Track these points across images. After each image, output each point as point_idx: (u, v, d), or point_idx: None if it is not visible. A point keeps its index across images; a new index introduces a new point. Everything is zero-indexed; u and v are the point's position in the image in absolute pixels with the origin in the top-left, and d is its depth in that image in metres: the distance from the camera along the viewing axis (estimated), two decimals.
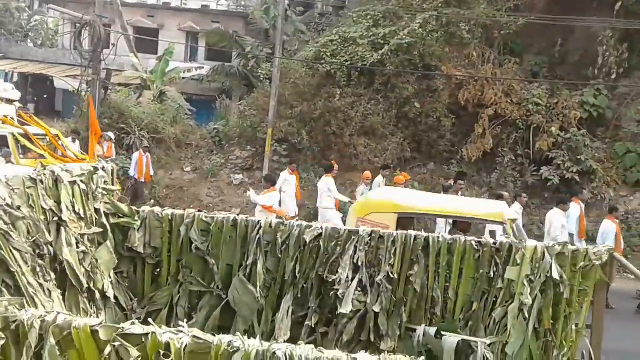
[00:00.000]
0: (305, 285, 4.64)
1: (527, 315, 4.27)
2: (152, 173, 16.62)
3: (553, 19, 17.04)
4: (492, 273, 4.41)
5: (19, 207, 3.91)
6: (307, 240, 4.61)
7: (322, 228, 4.65)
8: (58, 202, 4.28)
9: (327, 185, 13.75)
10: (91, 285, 4.37)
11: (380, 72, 17.76)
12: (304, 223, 4.74)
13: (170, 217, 4.91)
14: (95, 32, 17.69)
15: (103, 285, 4.51)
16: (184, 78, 25.32)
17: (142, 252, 4.89)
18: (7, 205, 3.75)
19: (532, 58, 18.48)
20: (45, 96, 28.35)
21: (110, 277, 4.63)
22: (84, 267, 4.34)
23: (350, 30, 18.56)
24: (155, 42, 28.20)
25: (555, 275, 4.27)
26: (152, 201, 15.21)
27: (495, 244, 4.42)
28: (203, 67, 25.97)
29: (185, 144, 19.28)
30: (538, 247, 4.38)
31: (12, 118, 14.45)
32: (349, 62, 17.95)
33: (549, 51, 18.43)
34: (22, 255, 3.77)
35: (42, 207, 4.15)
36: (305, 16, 26.72)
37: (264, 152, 18.04)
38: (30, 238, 3.92)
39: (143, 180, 16.18)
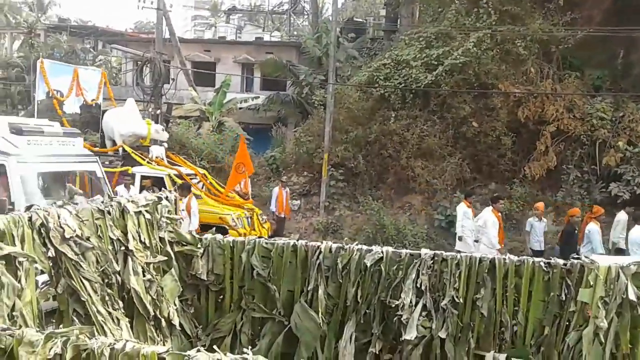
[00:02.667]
0: (367, 311, 4.56)
1: (603, 340, 4.04)
2: (291, 207, 16.40)
3: (612, 30, 16.46)
4: (563, 295, 4.21)
5: (88, 238, 4.05)
6: (368, 265, 4.55)
7: (382, 251, 4.58)
8: (125, 232, 4.42)
9: (493, 220, 11.60)
10: (157, 313, 4.46)
11: (435, 93, 17.59)
12: (364, 247, 4.69)
13: (231, 244, 4.98)
14: (155, 68, 18.43)
15: (169, 313, 4.59)
16: (240, 108, 25.93)
17: (206, 279, 4.97)
18: (77, 236, 3.89)
19: (593, 71, 17.84)
20: None
21: (175, 305, 4.71)
22: (150, 295, 4.43)
23: (402, 53, 18.53)
24: (212, 75, 29.08)
25: (632, 296, 4.04)
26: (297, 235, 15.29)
27: (565, 264, 4.23)
28: (259, 97, 26.50)
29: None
30: (612, 267, 4.15)
31: (163, 159, 14.76)
32: (402, 85, 17.90)
33: (611, 63, 17.76)
34: (91, 285, 3.90)
35: (110, 237, 4.29)
36: (357, 42, 26.95)
37: (320, 177, 18.11)
38: (99, 267, 4.06)
39: (283, 215, 16.01)
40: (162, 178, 13.58)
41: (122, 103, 28.88)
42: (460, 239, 12.14)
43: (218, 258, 4.97)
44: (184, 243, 4.99)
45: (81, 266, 3.83)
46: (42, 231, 3.73)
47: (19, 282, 3.43)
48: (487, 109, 17.12)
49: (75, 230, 3.88)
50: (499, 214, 11.60)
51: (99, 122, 16.27)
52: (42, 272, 3.81)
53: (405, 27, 22.76)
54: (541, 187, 16.39)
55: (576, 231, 11.53)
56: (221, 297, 5.04)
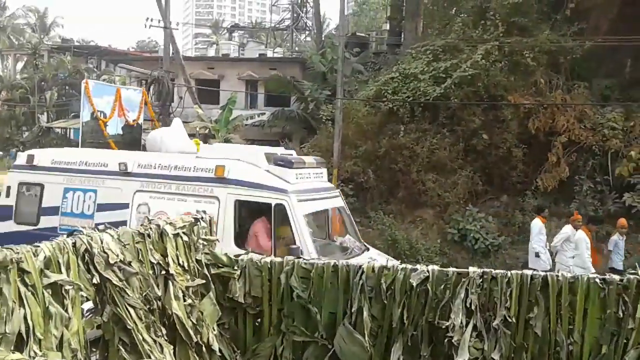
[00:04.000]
0: (414, 333, 4.41)
1: None
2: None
3: (620, 39, 16.45)
4: (620, 312, 4.07)
5: (129, 263, 3.92)
6: (414, 284, 4.41)
7: (428, 270, 4.45)
8: (164, 256, 4.28)
9: (586, 240, 10.93)
10: (198, 338, 4.31)
11: (445, 105, 17.55)
12: (409, 266, 4.55)
13: (269, 265, 4.84)
14: (163, 86, 18.38)
15: (208, 338, 4.45)
16: (245, 125, 25.90)
17: (243, 302, 4.82)
18: (121, 261, 3.76)
19: (601, 81, 17.82)
20: None
21: (214, 330, 4.56)
22: (191, 320, 4.29)
23: (410, 67, 18.53)
24: (217, 92, 29.08)
25: None
26: None
27: (622, 280, 4.10)
28: (264, 113, 26.50)
29: None
30: None
31: None
32: (411, 98, 17.86)
33: (619, 73, 17.73)
34: (136, 312, 3.76)
35: (151, 261, 4.16)
36: (361, 56, 27.00)
37: None
38: (142, 293, 3.92)
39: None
40: None
41: None
42: (537, 255, 11.64)
43: (255, 280, 4.83)
44: (220, 265, 4.85)
45: (126, 292, 3.70)
46: (87, 257, 3.61)
47: (66, 311, 3.30)
48: (497, 121, 17.05)
49: (118, 255, 3.76)
50: (590, 232, 11.02)
51: (140, 143, 16.00)
52: (87, 300, 3.68)
53: (410, 41, 22.81)
54: (554, 198, 16.26)
55: None
56: (259, 320, 4.89)
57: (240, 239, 8.18)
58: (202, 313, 4.46)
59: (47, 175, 9.57)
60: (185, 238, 4.56)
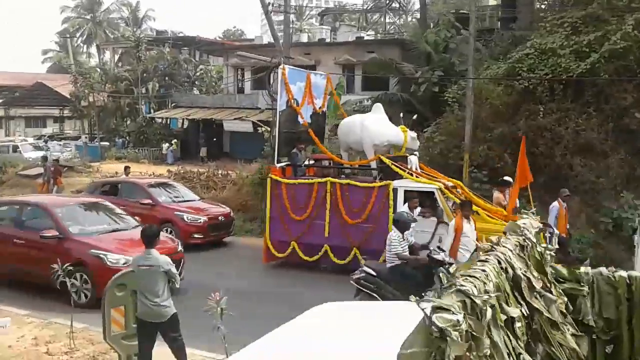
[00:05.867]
0: None
1: None
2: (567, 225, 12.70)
3: None
4: None
5: None
6: None
7: None
8: (539, 272, 3.40)
9: None
10: None
11: (590, 82, 16.00)
12: None
13: (628, 281, 3.88)
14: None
15: None
16: (346, 110, 25.06)
17: (594, 325, 3.89)
18: (543, 287, 2.90)
19: None
20: (214, 139, 29.49)
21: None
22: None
23: (546, 41, 17.04)
24: None
25: None
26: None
27: None
28: (370, 98, 25.57)
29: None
30: None
31: (416, 169, 12.68)
32: (550, 75, 16.41)
33: None
34: (565, 352, 2.89)
35: (528, 278, 3.29)
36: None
37: (458, 178, 16.83)
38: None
39: (564, 237, 12.11)
40: (432, 192, 11.59)
41: (225, 111, 28.66)
42: None
43: (607, 298, 3.89)
44: (562, 279, 3.94)
45: (557, 326, 2.85)
46: (513, 281, 2.77)
47: None
48: None
49: (539, 278, 2.90)
50: None
51: (324, 132, 15.16)
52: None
53: (526, 15, 21.30)
54: None
55: None
56: (611, 345, 3.95)
57: None
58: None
59: None
60: (539, 248, 3.66)
